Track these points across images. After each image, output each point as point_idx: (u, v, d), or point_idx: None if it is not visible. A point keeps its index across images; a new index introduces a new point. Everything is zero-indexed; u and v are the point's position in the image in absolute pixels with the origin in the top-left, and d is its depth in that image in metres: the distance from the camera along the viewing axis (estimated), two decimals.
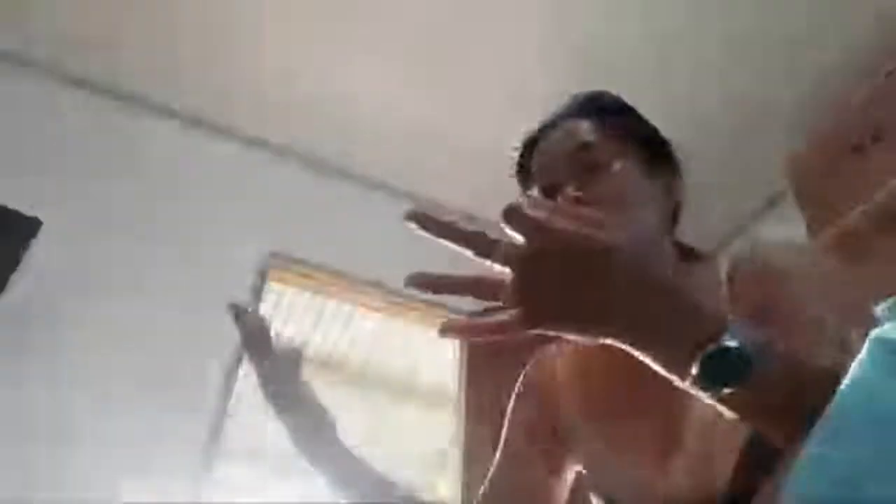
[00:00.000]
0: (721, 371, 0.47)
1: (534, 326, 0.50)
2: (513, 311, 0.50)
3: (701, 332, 0.47)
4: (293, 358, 0.88)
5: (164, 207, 2.74)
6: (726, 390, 0.47)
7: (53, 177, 2.60)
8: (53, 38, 2.76)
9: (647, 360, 0.51)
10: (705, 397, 0.49)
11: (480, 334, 0.51)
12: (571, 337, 0.52)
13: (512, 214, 0.49)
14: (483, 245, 0.49)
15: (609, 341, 0.51)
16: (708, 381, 0.47)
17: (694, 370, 0.47)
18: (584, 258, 0.48)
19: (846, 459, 0.34)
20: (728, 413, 0.50)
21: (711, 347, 0.47)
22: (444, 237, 0.49)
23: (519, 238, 0.49)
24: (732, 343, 0.46)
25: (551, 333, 0.51)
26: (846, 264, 2.34)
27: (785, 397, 0.48)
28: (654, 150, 0.83)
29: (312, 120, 3.01)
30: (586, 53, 2.65)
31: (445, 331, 0.51)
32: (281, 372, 0.86)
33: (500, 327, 0.50)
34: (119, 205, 2.67)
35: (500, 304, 0.51)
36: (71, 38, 2.76)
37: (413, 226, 0.49)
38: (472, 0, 2.56)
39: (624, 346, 0.51)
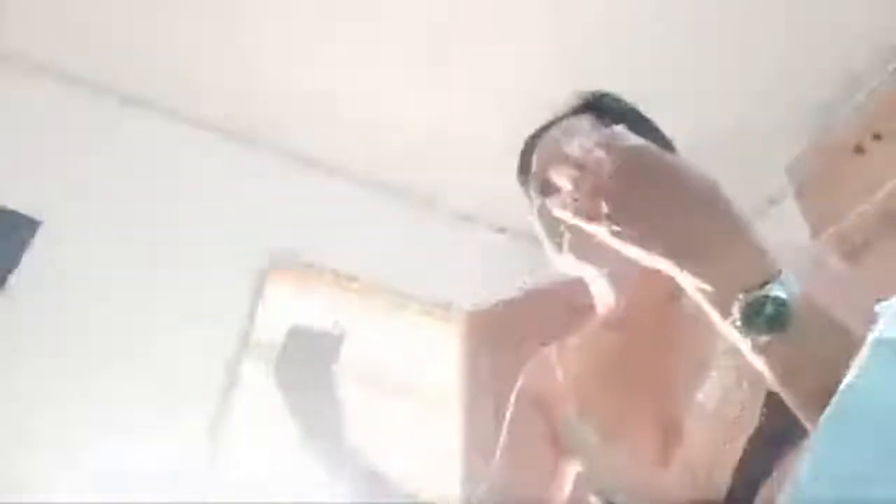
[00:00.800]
0: (763, 318, 0.46)
1: (593, 222, 0.51)
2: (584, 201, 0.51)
3: (753, 273, 0.47)
4: (332, 348, 0.87)
5: (164, 207, 2.74)
6: (763, 338, 0.47)
7: (53, 177, 2.60)
8: (55, 38, 2.76)
9: (688, 287, 0.50)
10: (741, 343, 0.48)
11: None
12: (623, 247, 0.52)
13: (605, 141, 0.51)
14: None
15: (657, 260, 0.50)
16: (747, 325, 0.47)
17: (735, 311, 0.47)
18: (668, 168, 0.50)
19: (848, 459, 0.34)
20: (760, 366, 0.49)
21: (758, 293, 0.46)
22: None
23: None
24: (780, 293, 0.46)
25: (604, 236, 0.51)
26: (847, 264, 2.34)
27: (821, 360, 0.48)
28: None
29: (313, 120, 3.01)
30: (586, 53, 2.65)
31: None
32: (315, 365, 0.85)
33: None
34: (119, 205, 2.67)
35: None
36: (72, 39, 2.76)
37: None
38: (471, 0, 2.56)
39: (670, 268, 0.50)
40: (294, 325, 0.88)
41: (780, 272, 0.47)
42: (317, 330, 0.88)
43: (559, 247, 0.81)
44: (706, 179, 0.50)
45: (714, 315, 0.49)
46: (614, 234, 0.50)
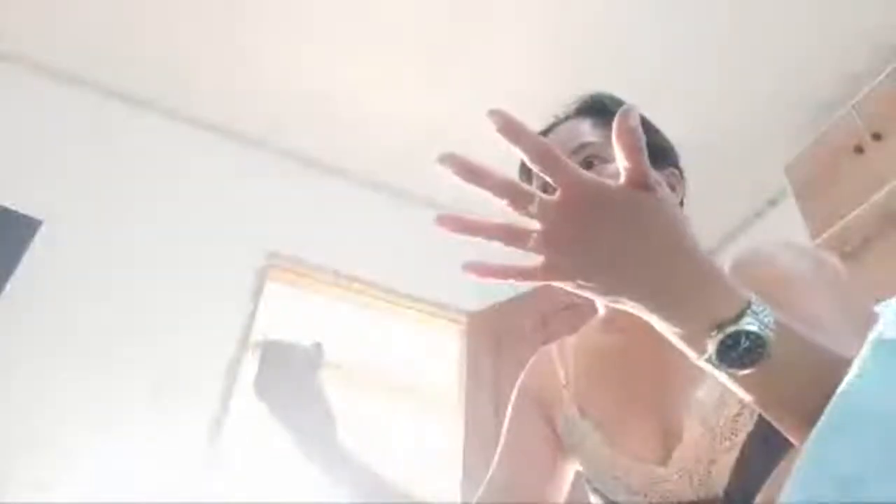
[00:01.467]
0: (737, 353, 0.46)
1: (557, 278, 0.49)
2: (539, 260, 0.48)
3: (724, 309, 0.47)
4: (312, 357, 0.87)
5: (164, 207, 2.74)
6: (741, 372, 0.47)
7: (53, 177, 2.60)
8: (54, 37, 2.76)
9: (663, 330, 0.50)
10: (719, 375, 0.49)
11: (499, 276, 0.49)
12: (589, 296, 0.50)
13: (551, 160, 0.46)
14: (519, 194, 0.48)
15: (628, 305, 0.49)
16: (723, 361, 0.47)
17: (710, 348, 0.47)
18: (629, 211, 0.47)
19: (849, 459, 0.34)
20: (741, 393, 0.50)
21: (731, 328, 0.46)
22: (480, 184, 0.48)
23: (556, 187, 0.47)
24: (752, 327, 0.46)
25: (569, 289, 0.49)
26: (847, 264, 2.35)
27: (801, 384, 0.48)
28: (655, 151, 0.83)
29: (312, 120, 3.01)
30: (587, 54, 2.65)
31: (468, 270, 0.49)
32: (296, 374, 0.85)
33: (521, 274, 0.49)
34: (119, 205, 2.67)
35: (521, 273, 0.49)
36: (72, 39, 2.76)
37: (448, 169, 0.47)
38: (471, 0, 2.56)
39: (642, 312, 0.49)
40: (266, 339, 0.88)
41: (749, 304, 0.47)
42: (292, 341, 0.88)
43: None
44: (669, 221, 0.48)
45: (690, 354, 0.49)
46: (580, 287, 0.49)
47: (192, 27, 2.71)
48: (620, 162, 0.47)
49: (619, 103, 0.87)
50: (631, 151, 0.46)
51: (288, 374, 0.85)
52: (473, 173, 0.47)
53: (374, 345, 4.25)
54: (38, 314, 2.30)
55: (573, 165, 0.47)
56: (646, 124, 0.87)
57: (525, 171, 0.87)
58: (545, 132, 0.88)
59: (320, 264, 2.90)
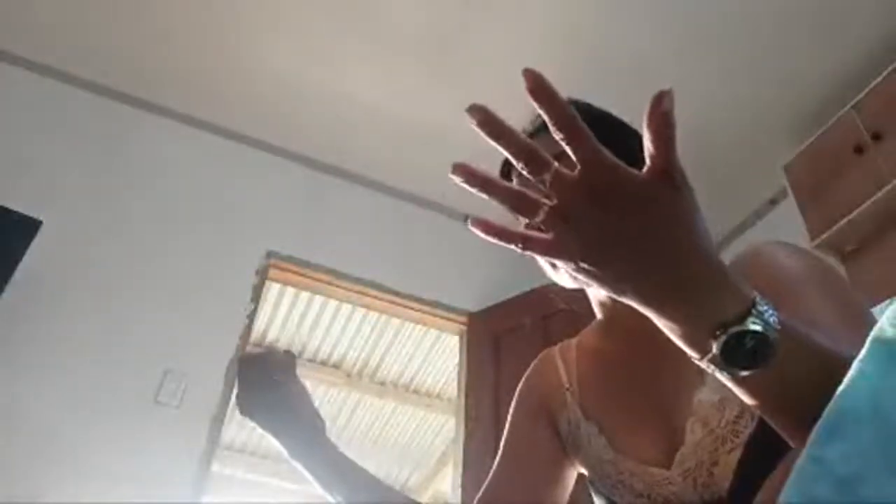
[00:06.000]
0: (741, 354, 0.45)
1: (561, 256, 0.46)
2: (545, 235, 0.46)
3: (729, 309, 0.45)
4: (287, 363, 0.87)
5: (165, 207, 2.74)
6: (743, 373, 0.46)
7: (53, 177, 2.60)
8: (53, 37, 2.76)
9: (664, 328, 0.48)
10: (721, 377, 0.48)
11: (504, 238, 0.46)
12: (591, 282, 0.47)
13: (576, 131, 0.44)
14: (538, 159, 0.45)
15: (631, 298, 0.47)
16: (726, 362, 0.46)
17: (714, 349, 0.46)
18: (648, 200, 0.44)
19: (847, 459, 0.34)
20: (742, 395, 0.49)
21: (734, 329, 0.45)
22: (501, 142, 0.45)
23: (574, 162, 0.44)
24: (756, 327, 0.45)
25: (570, 271, 0.47)
26: (847, 264, 2.35)
27: (803, 385, 0.47)
28: (636, 156, 0.82)
29: (312, 120, 3.01)
30: (587, 54, 2.65)
31: (473, 224, 0.47)
32: (274, 384, 0.85)
33: (526, 241, 0.46)
34: (119, 205, 2.67)
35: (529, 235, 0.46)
36: (70, 39, 2.76)
37: (472, 120, 0.44)
38: (472, 0, 2.56)
39: (644, 307, 0.47)
40: (243, 354, 0.90)
41: (754, 303, 0.46)
42: (263, 352, 0.89)
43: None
44: (686, 216, 0.45)
45: (692, 354, 0.48)
46: (583, 270, 0.46)
47: (192, 28, 2.71)
48: (647, 148, 0.44)
49: (601, 112, 0.86)
50: (660, 139, 0.43)
51: (267, 384, 0.85)
52: (497, 131, 0.45)
53: (373, 345, 4.26)
54: (38, 314, 2.30)
55: (597, 143, 0.45)
56: (624, 129, 0.85)
57: (505, 179, 0.86)
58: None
59: (320, 264, 2.90)
